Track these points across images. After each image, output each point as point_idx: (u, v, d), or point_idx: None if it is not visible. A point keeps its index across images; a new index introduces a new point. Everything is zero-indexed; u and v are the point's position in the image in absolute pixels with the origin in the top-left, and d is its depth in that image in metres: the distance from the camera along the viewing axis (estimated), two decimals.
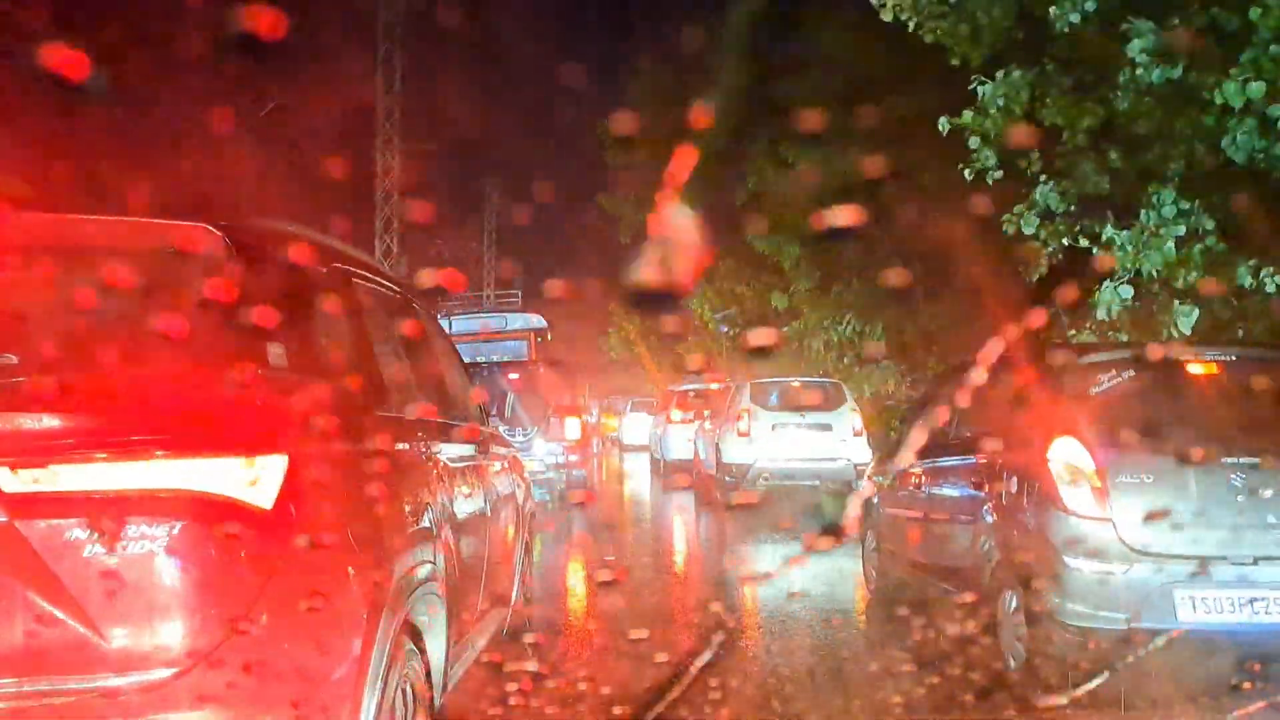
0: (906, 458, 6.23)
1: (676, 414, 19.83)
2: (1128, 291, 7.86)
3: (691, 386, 20.60)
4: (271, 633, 2.40)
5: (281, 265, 2.92)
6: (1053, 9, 8.12)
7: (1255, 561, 4.22)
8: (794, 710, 3.94)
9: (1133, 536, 4.28)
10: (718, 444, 14.68)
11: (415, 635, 3.00)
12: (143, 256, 2.69)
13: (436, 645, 3.24)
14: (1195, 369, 4.74)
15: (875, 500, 6.95)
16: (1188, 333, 7.49)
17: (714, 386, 19.07)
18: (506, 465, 5.18)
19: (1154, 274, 7.79)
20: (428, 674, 3.09)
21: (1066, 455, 4.47)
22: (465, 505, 3.92)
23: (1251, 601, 4.17)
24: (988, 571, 4.84)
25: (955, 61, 9.17)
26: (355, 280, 3.44)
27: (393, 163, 23.23)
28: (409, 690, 2.92)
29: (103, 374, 2.37)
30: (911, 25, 9.19)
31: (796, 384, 15.46)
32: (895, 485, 6.58)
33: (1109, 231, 7.95)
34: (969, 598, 4.82)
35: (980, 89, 8.77)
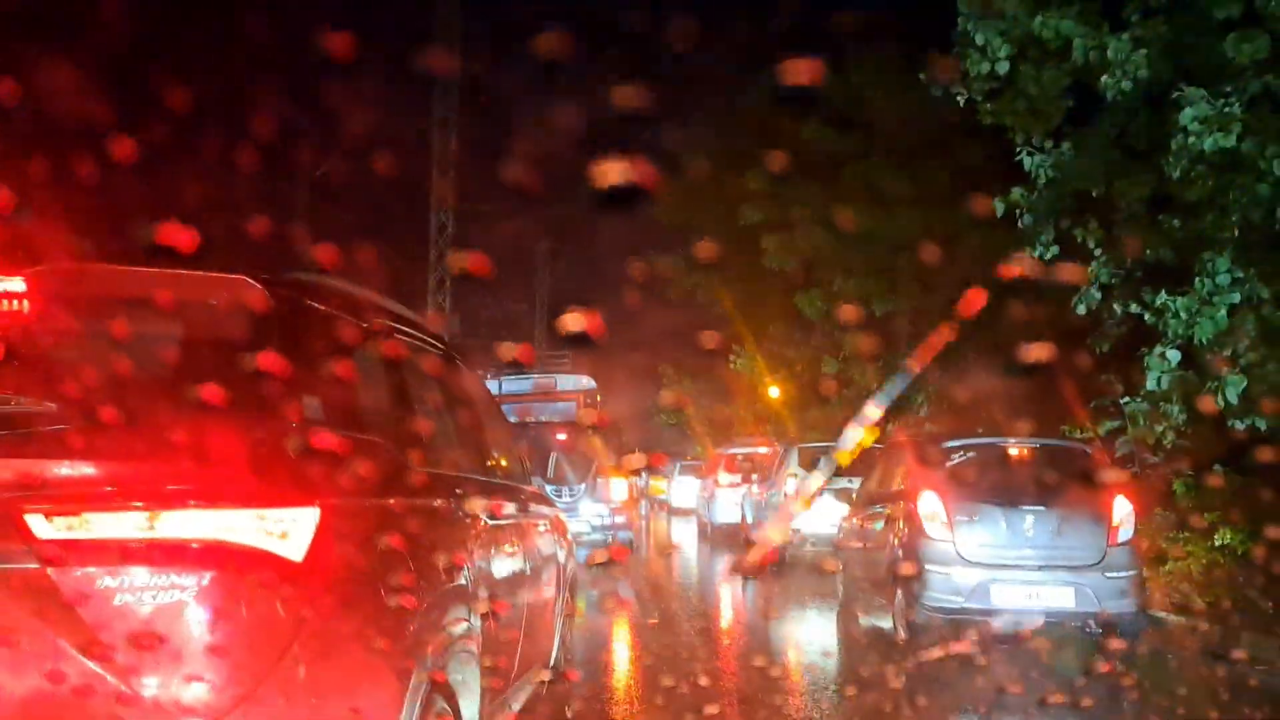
0: (858, 510, 9.21)
1: (724, 477, 19.66)
2: (1175, 356, 7.74)
3: (740, 450, 20.45)
4: (300, 687, 2.38)
5: (320, 318, 2.94)
6: (1105, 78, 8.08)
7: (1038, 569, 7.11)
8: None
9: (966, 551, 7.20)
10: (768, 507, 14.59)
11: (448, 694, 2.96)
12: (183, 307, 2.72)
13: (469, 705, 3.20)
14: (1011, 451, 7.88)
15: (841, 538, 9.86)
16: (1234, 402, 7.45)
17: (762, 450, 18.92)
18: (549, 525, 5.14)
19: (1203, 342, 7.66)
20: None
21: (929, 503, 7.36)
22: (504, 564, 3.89)
23: (1031, 594, 7.06)
24: (889, 577, 7.70)
25: (1017, 140, 9.09)
26: (396, 335, 3.45)
27: (447, 222, 23.54)
28: None
29: (138, 423, 2.38)
30: (962, 101, 9.16)
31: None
32: (850, 528, 9.42)
33: (1162, 298, 7.84)
34: (882, 598, 7.93)
35: (1027, 159, 8.72)
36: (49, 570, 2.24)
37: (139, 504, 2.31)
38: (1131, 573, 7.15)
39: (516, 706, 4.11)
